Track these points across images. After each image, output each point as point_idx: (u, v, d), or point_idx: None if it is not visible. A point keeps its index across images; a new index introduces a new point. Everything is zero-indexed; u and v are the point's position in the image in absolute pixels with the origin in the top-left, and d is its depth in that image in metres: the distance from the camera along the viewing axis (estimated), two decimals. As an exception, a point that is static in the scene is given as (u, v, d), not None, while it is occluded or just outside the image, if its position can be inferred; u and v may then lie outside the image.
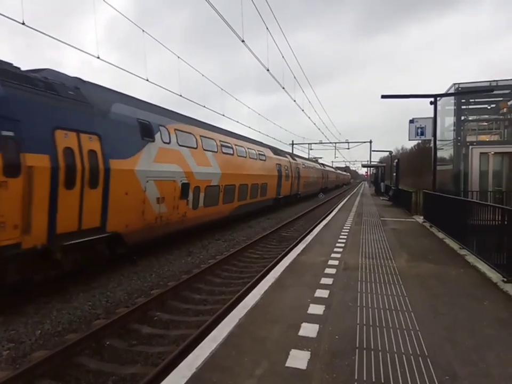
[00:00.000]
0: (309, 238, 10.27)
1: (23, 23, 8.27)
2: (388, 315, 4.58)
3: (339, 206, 21.72)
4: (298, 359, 3.46)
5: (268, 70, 16.69)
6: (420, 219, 14.82)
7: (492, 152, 18.77)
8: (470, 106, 23.44)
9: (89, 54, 10.42)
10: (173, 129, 11.50)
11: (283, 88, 20.59)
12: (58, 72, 8.47)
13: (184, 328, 6.16)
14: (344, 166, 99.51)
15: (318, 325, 4.23)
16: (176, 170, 11.27)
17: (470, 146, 19.13)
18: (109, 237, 8.55)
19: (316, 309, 4.73)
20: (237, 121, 24.75)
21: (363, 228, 12.14)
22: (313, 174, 38.48)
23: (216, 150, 14.55)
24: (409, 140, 24.08)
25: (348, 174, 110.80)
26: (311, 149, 57.21)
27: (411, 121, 23.56)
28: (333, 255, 7.95)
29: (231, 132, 18.02)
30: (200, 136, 13.46)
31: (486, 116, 23.76)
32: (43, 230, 6.89)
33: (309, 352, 3.59)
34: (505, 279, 5.90)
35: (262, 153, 21.07)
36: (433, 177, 15.21)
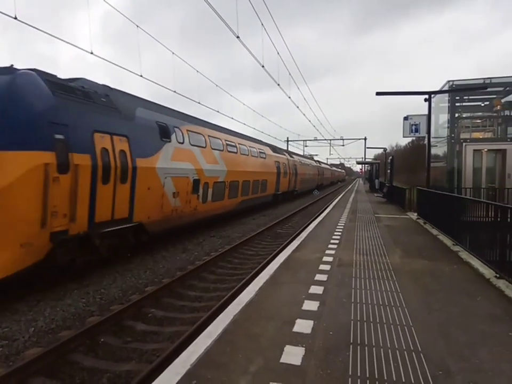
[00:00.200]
0: (304, 234, 10.31)
1: (15, 18, 8.17)
2: (382, 311, 4.61)
3: (334, 203, 21.79)
4: (292, 355, 3.47)
5: (263, 66, 16.63)
6: (413, 216, 14.92)
7: (485, 149, 18.92)
8: (464, 104, 23.53)
9: (82, 49, 10.36)
10: (185, 130, 12.55)
11: (278, 84, 20.52)
12: (91, 81, 9.48)
13: (179, 325, 6.15)
14: (338, 163, 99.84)
15: (312, 321, 4.24)
16: (189, 168, 12.33)
17: (464, 144, 19.26)
18: (135, 227, 9.64)
19: (310, 305, 4.74)
20: (232, 118, 24.86)
21: (357, 225, 12.19)
22: (309, 171, 39.35)
23: (222, 149, 15.65)
24: (403, 136, 24.30)
25: (343, 171, 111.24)
26: (306, 146, 57.16)
27: (405, 118, 23.72)
28: (327, 251, 7.98)
29: (235, 132, 19.13)
30: (209, 136, 14.54)
31: (480, 113, 23.85)
32: (85, 219, 7.90)
33: (304, 348, 3.60)
34: (497, 275, 5.95)
35: (262, 151, 22.09)
36: (427, 174, 15.28)
